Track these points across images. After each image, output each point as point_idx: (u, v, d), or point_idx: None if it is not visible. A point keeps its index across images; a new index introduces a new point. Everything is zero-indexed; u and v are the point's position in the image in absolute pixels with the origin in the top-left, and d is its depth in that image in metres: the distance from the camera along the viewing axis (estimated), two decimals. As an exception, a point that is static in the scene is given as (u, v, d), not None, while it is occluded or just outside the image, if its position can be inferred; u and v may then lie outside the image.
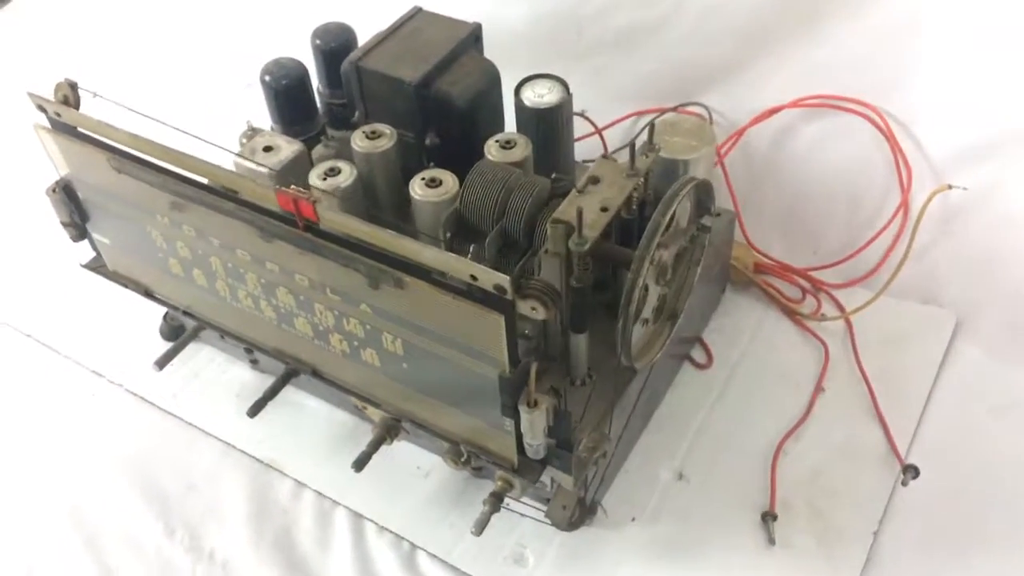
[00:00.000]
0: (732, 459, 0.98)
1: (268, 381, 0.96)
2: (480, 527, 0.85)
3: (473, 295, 0.69)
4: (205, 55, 1.48)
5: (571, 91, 1.00)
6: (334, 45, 1.10)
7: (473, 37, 1.04)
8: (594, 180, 0.82)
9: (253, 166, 0.91)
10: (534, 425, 0.74)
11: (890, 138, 1.12)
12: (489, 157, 0.96)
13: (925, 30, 1.10)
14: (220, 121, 1.00)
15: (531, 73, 1.01)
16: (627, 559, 0.91)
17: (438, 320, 0.73)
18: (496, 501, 0.87)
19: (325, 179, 0.93)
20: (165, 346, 1.04)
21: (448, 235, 0.89)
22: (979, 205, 1.08)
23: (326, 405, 1.05)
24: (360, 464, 0.88)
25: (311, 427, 1.04)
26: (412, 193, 0.92)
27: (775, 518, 0.91)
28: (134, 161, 0.81)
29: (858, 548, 0.90)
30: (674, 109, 1.23)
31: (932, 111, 1.10)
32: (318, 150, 1.04)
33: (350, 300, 0.78)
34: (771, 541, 0.90)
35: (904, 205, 1.11)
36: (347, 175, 0.94)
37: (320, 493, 0.98)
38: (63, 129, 0.84)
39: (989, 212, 1.08)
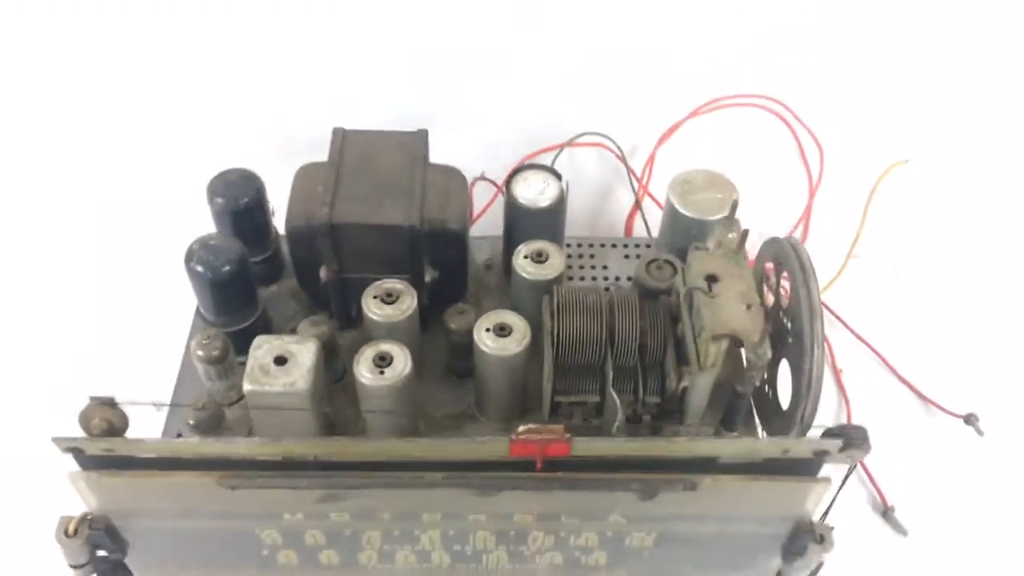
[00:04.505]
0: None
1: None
2: None
3: (781, 469, 0.62)
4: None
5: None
6: (245, 200, 0.91)
7: (424, 145, 0.91)
8: (712, 278, 0.77)
9: (279, 390, 0.73)
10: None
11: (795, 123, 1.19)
12: (524, 276, 0.86)
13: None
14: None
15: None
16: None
17: (722, 505, 0.65)
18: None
19: (382, 372, 0.78)
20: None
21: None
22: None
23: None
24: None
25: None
26: (482, 347, 0.80)
27: (893, 509, 0.95)
28: (272, 471, 0.61)
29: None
30: (569, 144, 1.18)
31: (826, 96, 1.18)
32: (309, 331, 0.85)
33: (595, 517, 0.66)
34: (903, 532, 0.94)
35: (819, 180, 1.18)
36: (402, 357, 0.79)
37: None
38: (110, 464, 0.60)
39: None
